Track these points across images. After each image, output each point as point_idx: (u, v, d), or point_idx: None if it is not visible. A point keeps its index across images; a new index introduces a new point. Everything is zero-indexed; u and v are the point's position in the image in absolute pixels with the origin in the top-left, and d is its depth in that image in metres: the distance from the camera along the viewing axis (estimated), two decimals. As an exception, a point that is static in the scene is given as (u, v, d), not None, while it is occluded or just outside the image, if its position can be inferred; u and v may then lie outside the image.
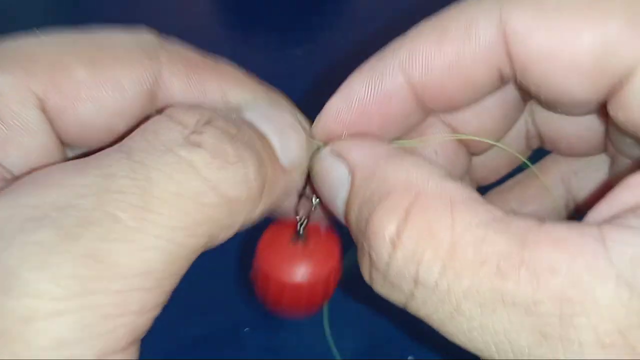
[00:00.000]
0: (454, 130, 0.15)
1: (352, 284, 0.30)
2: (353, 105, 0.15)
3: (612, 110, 0.12)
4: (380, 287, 0.13)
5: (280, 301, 0.17)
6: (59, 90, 0.13)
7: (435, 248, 0.11)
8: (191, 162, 0.12)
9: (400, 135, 0.15)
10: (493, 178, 0.18)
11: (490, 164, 0.17)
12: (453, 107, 0.15)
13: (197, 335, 0.28)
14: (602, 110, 0.13)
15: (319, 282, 0.16)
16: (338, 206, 0.13)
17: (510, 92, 0.15)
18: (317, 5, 0.45)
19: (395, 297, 0.13)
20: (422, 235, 0.11)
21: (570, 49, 0.11)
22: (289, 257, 0.16)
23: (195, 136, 0.12)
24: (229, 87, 0.16)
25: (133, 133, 0.13)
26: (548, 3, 0.12)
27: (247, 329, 0.28)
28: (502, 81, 0.14)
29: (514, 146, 0.17)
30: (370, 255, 0.12)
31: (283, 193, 0.14)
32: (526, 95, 0.15)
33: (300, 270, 0.16)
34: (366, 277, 0.13)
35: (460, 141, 0.16)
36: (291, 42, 0.42)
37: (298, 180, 0.15)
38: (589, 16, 0.11)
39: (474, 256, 0.10)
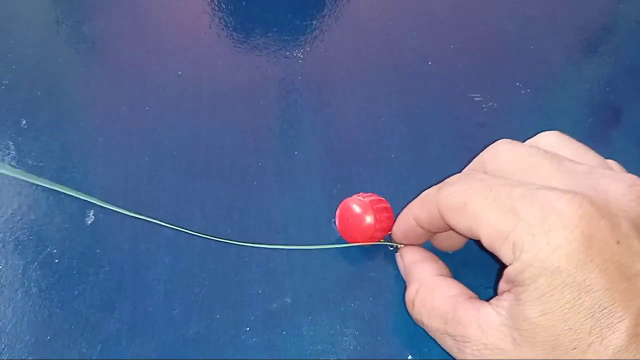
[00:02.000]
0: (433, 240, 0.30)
1: (352, 284, 0.30)
2: (401, 228, 0.28)
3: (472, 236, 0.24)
4: (411, 315, 0.26)
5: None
6: None
7: (425, 307, 0.25)
8: None
9: (425, 239, 0.29)
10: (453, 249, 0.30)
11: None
12: (436, 232, 0.28)
13: (197, 335, 0.28)
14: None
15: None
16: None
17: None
18: (317, 7, 0.45)
19: (415, 320, 0.26)
20: (421, 301, 0.25)
21: (456, 226, 0.24)
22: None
23: None
24: None
25: None
26: (449, 202, 0.24)
27: (247, 328, 0.28)
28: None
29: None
30: (407, 301, 0.26)
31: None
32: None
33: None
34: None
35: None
36: (291, 44, 0.42)
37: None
38: (461, 213, 0.23)
39: (430, 308, 0.24)
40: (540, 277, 0.19)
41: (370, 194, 0.31)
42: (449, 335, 0.23)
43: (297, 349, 0.27)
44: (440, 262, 0.27)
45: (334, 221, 0.31)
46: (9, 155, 0.36)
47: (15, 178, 0.34)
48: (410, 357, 0.27)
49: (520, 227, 0.20)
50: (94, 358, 0.27)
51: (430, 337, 0.26)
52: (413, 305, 0.25)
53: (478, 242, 0.23)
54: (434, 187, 0.26)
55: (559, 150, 0.25)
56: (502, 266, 0.22)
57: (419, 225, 0.27)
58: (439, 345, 0.24)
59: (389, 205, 0.30)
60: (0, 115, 0.38)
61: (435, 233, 0.28)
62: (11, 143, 0.36)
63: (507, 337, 0.20)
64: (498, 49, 0.43)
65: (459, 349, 0.22)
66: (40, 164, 0.35)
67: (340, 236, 0.31)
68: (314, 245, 0.31)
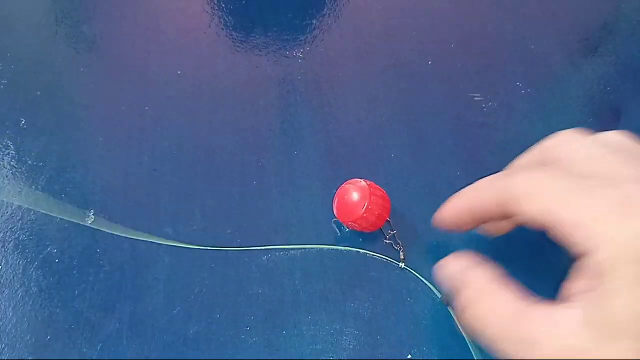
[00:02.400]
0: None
1: (352, 284, 0.30)
2: (449, 213, 0.27)
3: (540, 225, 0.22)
4: (461, 324, 0.26)
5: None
6: None
7: (481, 314, 0.23)
8: None
9: (469, 228, 0.27)
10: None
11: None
12: (484, 222, 0.27)
13: (197, 335, 0.28)
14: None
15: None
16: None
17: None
18: (317, 7, 0.45)
19: (466, 329, 0.25)
20: (477, 309, 0.23)
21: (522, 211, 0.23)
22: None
23: None
24: None
25: None
26: (522, 191, 0.23)
27: (247, 328, 0.28)
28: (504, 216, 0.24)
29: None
30: (457, 309, 0.24)
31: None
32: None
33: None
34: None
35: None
36: (291, 44, 0.42)
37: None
38: (535, 204, 0.22)
39: (488, 315, 0.22)
40: (625, 265, 0.19)
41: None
42: (513, 342, 0.21)
43: (297, 349, 0.27)
44: (492, 267, 0.25)
45: (335, 221, 0.31)
46: (8, 155, 0.36)
47: (14, 178, 0.34)
48: (410, 357, 0.27)
49: (598, 217, 0.20)
50: (94, 358, 0.27)
51: (430, 337, 0.26)
52: (466, 313, 0.24)
53: (543, 234, 0.22)
54: (496, 175, 0.25)
55: (620, 148, 0.24)
56: (572, 264, 0.21)
57: (469, 212, 0.26)
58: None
59: (385, 192, 0.30)
60: (0, 115, 0.38)
61: (481, 223, 0.27)
62: (11, 143, 0.36)
63: (587, 336, 0.19)
64: (498, 49, 0.43)
65: (525, 355, 0.21)
66: (40, 164, 0.35)
67: (345, 230, 0.31)
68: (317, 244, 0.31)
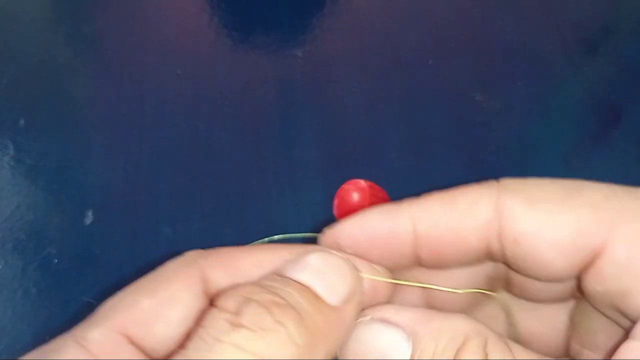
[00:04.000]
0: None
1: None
2: (364, 231, 0.18)
3: (587, 283, 0.15)
4: None
5: None
6: (135, 324, 0.16)
7: None
8: (236, 344, 0.13)
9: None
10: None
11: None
12: (438, 266, 0.17)
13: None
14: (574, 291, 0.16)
15: None
16: None
17: (480, 272, 0.18)
18: (316, 7, 0.45)
19: None
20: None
21: (551, 230, 0.15)
22: None
23: (237, 318, 0.14)
24: (265, 259, 0.18)
25: (191, 333, 0.15)
26: (535, 194, 0.15)
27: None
28: (486, 256, 0.16)
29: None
30: None
31: (346, 330, 0.16)
32: (511, 269, 0.17)
33: None
34: None
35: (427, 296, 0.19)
36: (291, 43, 0.42)
37: (356, 313, 0.16)
38: (565, 205, 0.15)
39: None
40: None
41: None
42: None
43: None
44: None
45: (335, 221, 0.31)
46: (8, 155, 0.36)
47: (13, 178, 0.34)
48: (410, 357, 0.27)
49: None
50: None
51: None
52: None
53: None
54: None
55: None
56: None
57: (415, 236, 0.17)
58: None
59: (385, 192, 0.30)
60: (0, 115, 0.38)
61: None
62: (10, 143, 0.36)
63: None
64: (498, 49, 0.43)
65: None
66: (40, 164, 0.35)
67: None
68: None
